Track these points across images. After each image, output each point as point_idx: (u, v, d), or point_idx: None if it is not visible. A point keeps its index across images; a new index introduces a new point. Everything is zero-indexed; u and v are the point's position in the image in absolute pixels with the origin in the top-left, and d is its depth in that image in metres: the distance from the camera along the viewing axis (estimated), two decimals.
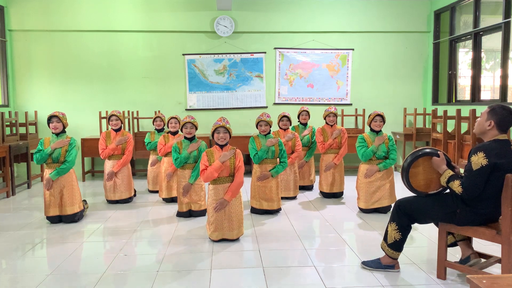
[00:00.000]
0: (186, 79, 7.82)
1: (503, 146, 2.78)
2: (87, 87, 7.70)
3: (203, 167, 3.87)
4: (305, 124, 6.23)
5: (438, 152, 3.02)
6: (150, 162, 6.12)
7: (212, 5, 7.65)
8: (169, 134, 5.61)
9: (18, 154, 6.51)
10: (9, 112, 7.19)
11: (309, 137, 6.11)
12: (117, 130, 5.54)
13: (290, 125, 5.80)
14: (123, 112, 7.22)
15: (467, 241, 3.18)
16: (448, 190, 2.99)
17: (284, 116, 5.72)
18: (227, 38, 7.76)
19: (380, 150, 4.81)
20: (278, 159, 4.94)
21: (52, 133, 4.64)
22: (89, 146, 7.17)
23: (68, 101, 7.68)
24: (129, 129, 7.45)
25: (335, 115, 5.73)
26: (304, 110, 6.20)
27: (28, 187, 6.63)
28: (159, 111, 6.74)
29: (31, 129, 7.40)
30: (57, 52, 7.63)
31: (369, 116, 4.97)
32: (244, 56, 7.83)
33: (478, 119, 2.93)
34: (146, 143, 6.02)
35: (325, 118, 5.78)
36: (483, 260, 3.14)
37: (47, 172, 4.57)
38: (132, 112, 7.34)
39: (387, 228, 3.16)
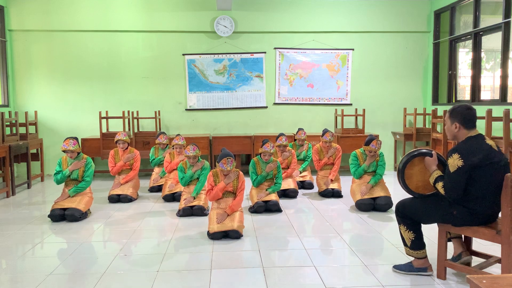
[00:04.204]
0: (186, 79, 7.82)
1: (477, 142, 2.79)
2: (87, 87, 7.70)
3: (210, 187, 4.20)
4: (301, 144, 6.52)
5: (432, 152, 3.02)
6: (152, 179, 6.26)
7: (212, 5, 7.65)
8: (174, 151, 5.83)
9: (18, 154, 6.51)
10: (9, 112, 7.19)
11: (305, 152, 6.47)
12: (124, 149, 5.80)
13: (288, 142, 6.06)
14: (123, 112, 7.22)
15: (460, 238, 3.18)
16: None
17: (281, 134, 5.97)
18: (227, 38, 7.76)
19: (371, 166, 5.17)
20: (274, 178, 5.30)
21: (69, 157, 4.84)
22: (89, 146, 7.17)
23: (68, 101, 7.69)
24: (129, 129, 7.44)
25: (332, 135, 5.99)
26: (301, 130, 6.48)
27: (28, 187, 6.63)
28: (161, 135, 6.31)
29: (31, 129, 7.39)
30: (57, 52, 7.63)
31: (366, 143, 5.11)
32: (244, 56, 7.83)
33: (446, 126, 2.97)
34: (150, 160, 6.31)
35: (322, 136, 6.00)
36: (474, 257, 3.15)
37: (66, 188, 4.87)
38: (132, 112, 7.34)
39: (400, 232, 3.15)
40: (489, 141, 2.83)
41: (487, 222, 2.85)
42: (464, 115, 2.84)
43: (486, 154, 2.73)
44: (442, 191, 2.83)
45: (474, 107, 3.08)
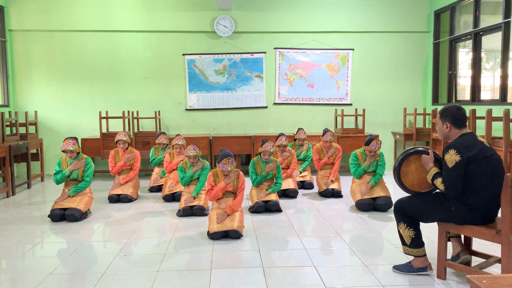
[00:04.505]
0: (186, 79, 7.82)
1: (470, 138, 2.87)
2: (87, 87, 7.70)
3: (210, 187, 4.20)
4: (301, 144, 6.53)
5: (428, 150, 3.04)
6: (152, 179, 6.26)
7: (212, 5, 7.65)
8: (174, 151, 5.83)
9: (18, 154, 6.51)
10: (9, 112, 7.19)
11: (305, 152, 6.47)
12: (125, 149, 5.80)
13: (288, 143, 6.09)
14: (123, 112, 7.22)
15: (458, 238, 3.19)
16: None
17: (281, 134, 5.99)
18: (227, 38, 7.76)
19: (371, 166, 5.18)
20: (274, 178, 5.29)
21: (69, 157, 4.84)
22: (89, 146, 7.17)
23: (68, 101, 7.69)
24: (129, 129, 7.45)
25: (333, 135, 5.99)
26: (301, 130, 6.49)
27: (28, 187, 6.63)
28: (162, 135, 6.29)
29: (31, 129, 7.39)
30: (57, 52, 7.63)
31: (366, 143, 5.11)
32: (244, 56, 7.83)
33: (437, 126, 3.03)
34: (150, 160, 6.32)
35: (323, 136, 6.01)
36: (474, 257, 3.14)
37: (66, 188, 4.87)
38: (132, 112, 7.34)
39: (398, 231, 3.14)
40: (480, 138, 2.91)
41: (485, 219, 2.86)
42: (455, 115, 2.93)
43: (480, 149, 2.81)
44: (441, 187, 2.85)
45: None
